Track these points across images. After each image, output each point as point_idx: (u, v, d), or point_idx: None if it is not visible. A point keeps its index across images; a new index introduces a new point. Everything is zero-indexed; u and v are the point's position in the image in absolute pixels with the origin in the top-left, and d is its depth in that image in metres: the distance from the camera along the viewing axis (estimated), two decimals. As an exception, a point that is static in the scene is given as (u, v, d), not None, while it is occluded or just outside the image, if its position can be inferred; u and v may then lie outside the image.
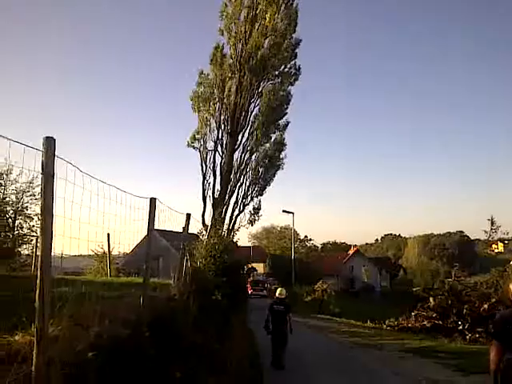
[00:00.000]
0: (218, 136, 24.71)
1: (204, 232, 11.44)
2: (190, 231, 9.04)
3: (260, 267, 54.22)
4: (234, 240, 18.24)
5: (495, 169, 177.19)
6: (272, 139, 26.40)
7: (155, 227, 6.34)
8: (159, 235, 24.41)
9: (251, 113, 25.43)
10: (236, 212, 25.51)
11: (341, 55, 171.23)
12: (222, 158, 24.74)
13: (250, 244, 69.97)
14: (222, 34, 25.10)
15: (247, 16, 24.45)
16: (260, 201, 26.47)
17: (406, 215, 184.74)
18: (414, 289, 34.77)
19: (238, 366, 8.77)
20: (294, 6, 25.31)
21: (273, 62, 24.72)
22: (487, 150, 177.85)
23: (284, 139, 27.11)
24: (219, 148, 24.83)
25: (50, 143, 3.30)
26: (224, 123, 24.70)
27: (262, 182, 26.21)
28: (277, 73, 25.70)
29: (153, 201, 6.09)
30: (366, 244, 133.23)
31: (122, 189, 4.82)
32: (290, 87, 26.63)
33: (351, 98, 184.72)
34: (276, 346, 10.48)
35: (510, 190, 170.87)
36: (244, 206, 25.83)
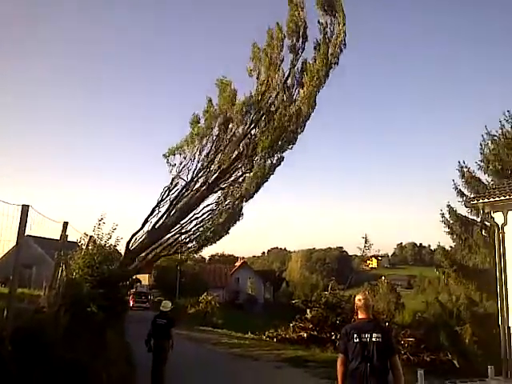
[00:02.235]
0: (197, 173, 21.27)
1: (83, 241, 10.91)
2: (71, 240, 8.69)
3: (145, 278, 52.73)
4: (118, 249, 17.54)
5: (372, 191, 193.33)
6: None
7: (32, 234, 6.12)
8: (34, 242, 22.72)
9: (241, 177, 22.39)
10: (164, 252, 22.47)
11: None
12: (189, 196, 21.22)
13: (135, 254, 67.77)
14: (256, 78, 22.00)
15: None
16: (194, 256, 23.70)
17: (292, 230, 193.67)
18: (294, 301, 36.42)
19: (113, 382, 8.50)
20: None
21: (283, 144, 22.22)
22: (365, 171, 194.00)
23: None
24: (192, 184, 21.38)
25: None
26: (215, 169, 21.43)
27: (210, 239, 22.81)
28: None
29: (25, 208, 5.81)
30: (253, 257, 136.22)
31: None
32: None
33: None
34: (156, 362, 9.97)
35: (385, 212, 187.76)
36: (175, 252, 22.94)
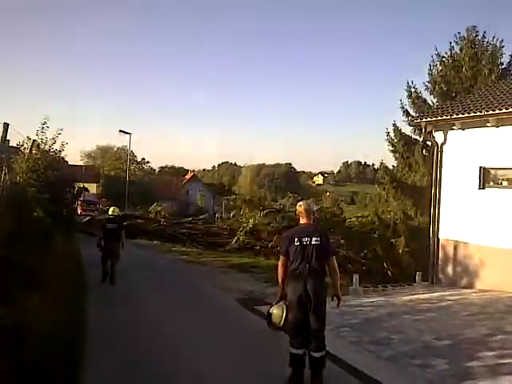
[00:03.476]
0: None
1: (26, 145, 10.52)
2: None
3: (93, 187, 52.08)
4: (63, 156, 17.06)
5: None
6: None
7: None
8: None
9: None
10: None
11: None
12: None
13: (82, 163, 66.25)
14: None
15: None
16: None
17: (243, 145, 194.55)
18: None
19: (61, 280, 8.72)
20: None
21: None
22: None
23: None
24: None
25: None
26: None
27: None
28: None
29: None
30: (204, 170, 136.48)
31: None
32: None
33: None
34: (106, 262, 10.60)
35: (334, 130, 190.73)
36: None
